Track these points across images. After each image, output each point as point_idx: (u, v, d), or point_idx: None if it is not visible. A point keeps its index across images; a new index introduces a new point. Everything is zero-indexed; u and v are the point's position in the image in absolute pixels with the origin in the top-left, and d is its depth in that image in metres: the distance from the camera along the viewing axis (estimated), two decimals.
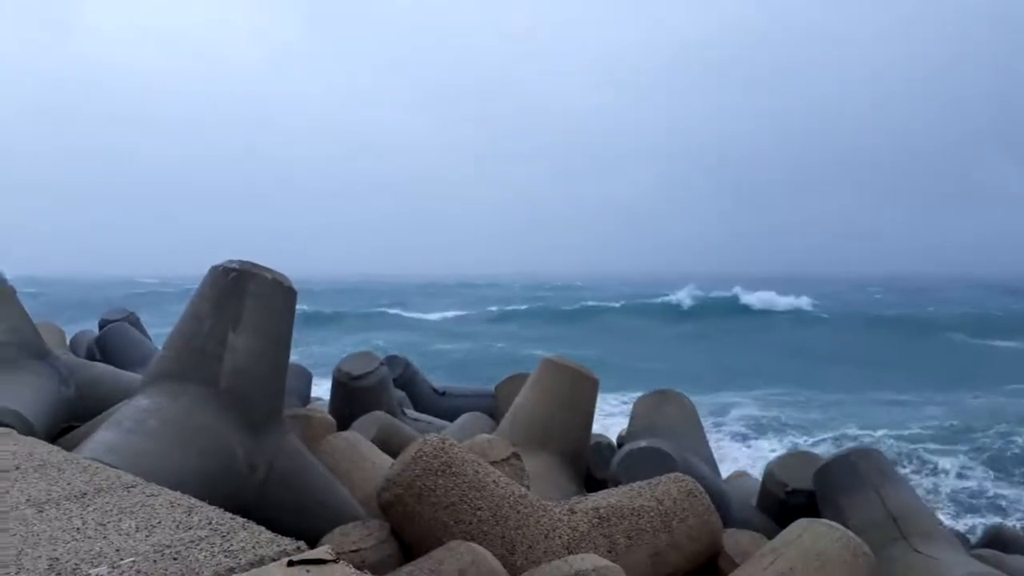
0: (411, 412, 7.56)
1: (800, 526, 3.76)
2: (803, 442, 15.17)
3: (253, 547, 1.87)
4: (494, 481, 3.64)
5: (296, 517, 3.65)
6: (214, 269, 3.87)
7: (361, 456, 4.77)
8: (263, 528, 2.01)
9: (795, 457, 5.62)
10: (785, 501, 5.34)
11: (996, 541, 6.30)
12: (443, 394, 8.92)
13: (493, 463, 4.09)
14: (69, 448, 3.19)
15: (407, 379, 8.54)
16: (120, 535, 1.93)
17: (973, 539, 6.81)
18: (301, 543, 1.92)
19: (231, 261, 3.85)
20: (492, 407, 7.83)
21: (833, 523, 3.80)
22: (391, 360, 8.36)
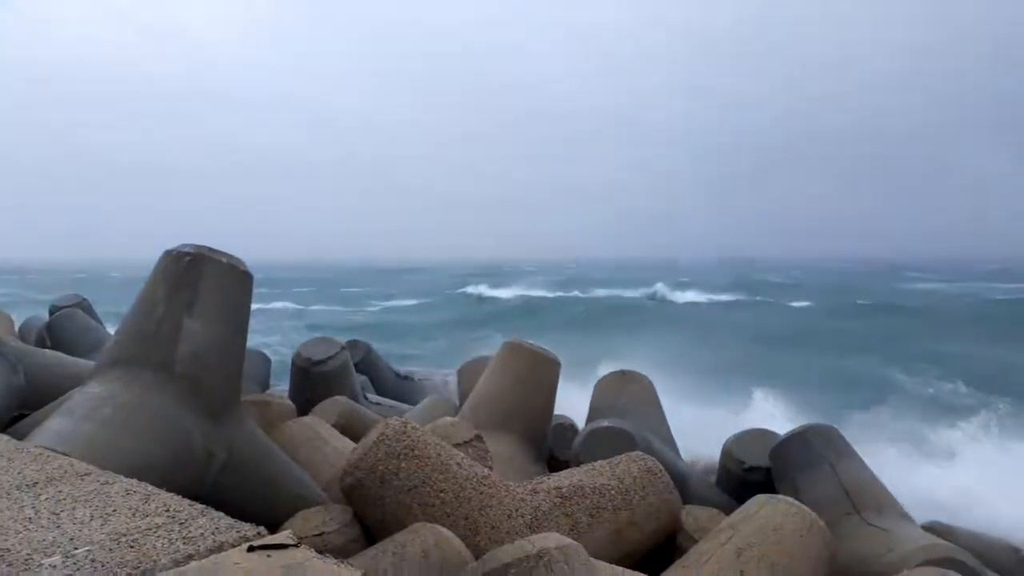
0: (373, 396, 7.52)
1: (757, 502, 3.84)
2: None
3: (212, 533, 1.85)
4: (457, 463, 3.65)
5: (257, 503, 3.61)
6: (168, 253, 3.79)
7: (322, 441, 4.73)
8: (223, 514, 1.98)
9: (752, 435, 5.73)
10: (742, 478, 5.44)
11: None
12: (406, 378, 8.90)
13: (456, 445, 4.10)
14: (19, 437, 3.11)
15: (369, 364, 8.50)
16: (74, 524, 1.88)
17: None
18: (261, 528, 1.90)
19: (185, 245, 3.77)
20: (455, 390, 7.84)
21: (789, 498, 3.89)
22: (352, 345, 8.30)
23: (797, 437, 5.12)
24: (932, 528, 5.10)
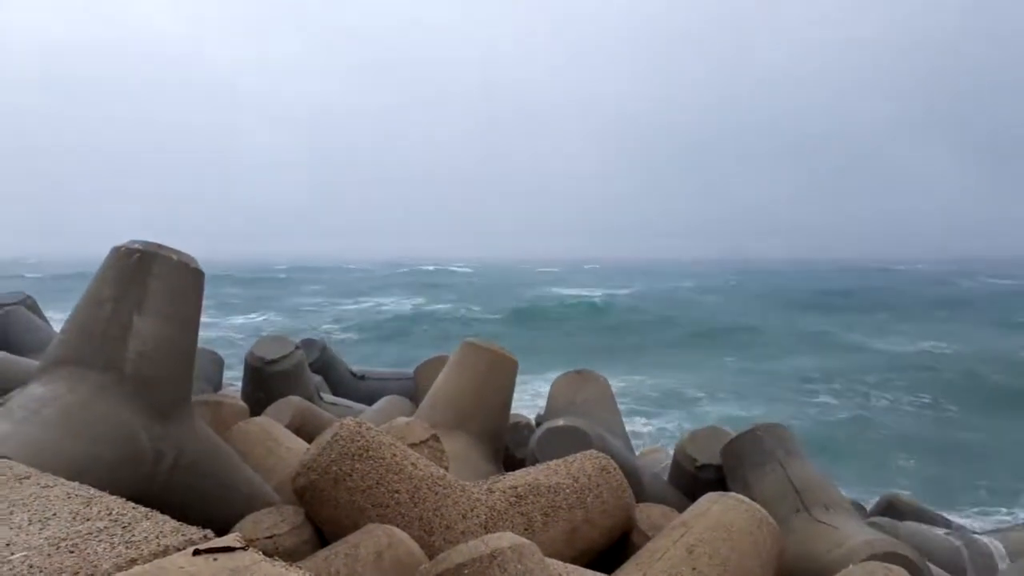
0: (328, 396, 7.44)
1: (709, 499, 3.90)
2: None
3: (156, 537, 1.81)
4: (412, 463, 3.63)
5: (208, 505, 3.55)
6: (115, 250, 3.70)
7: (275, 442, 4.67)
8: (167, 517, 1.94)
9: (705, 433, 5.82)
10: (695, 475, 5.52)
11: (890, 509, 6.71)
12: (362, 378, 8.81)
13: (412, 445, 4.08)
14: None
15: (324, 363, 8.40)
16: (11, 529, 1.83)
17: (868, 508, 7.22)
18: (208, 531, 1.87)
19: (134, 241, 3.69)
20: (412, 390, 7.79)
21: (740, 496, 3.96)
22: (307, 344, 8.20)
23: (748, 435, 5.22)
24: (877, 524, 5.24)
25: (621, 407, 6.55)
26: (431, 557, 3.08)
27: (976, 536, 5.78)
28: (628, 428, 6.48)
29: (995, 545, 5.45)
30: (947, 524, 6.53)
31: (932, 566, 4.31)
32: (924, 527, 5.71)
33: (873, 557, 3.84)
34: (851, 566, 3.64)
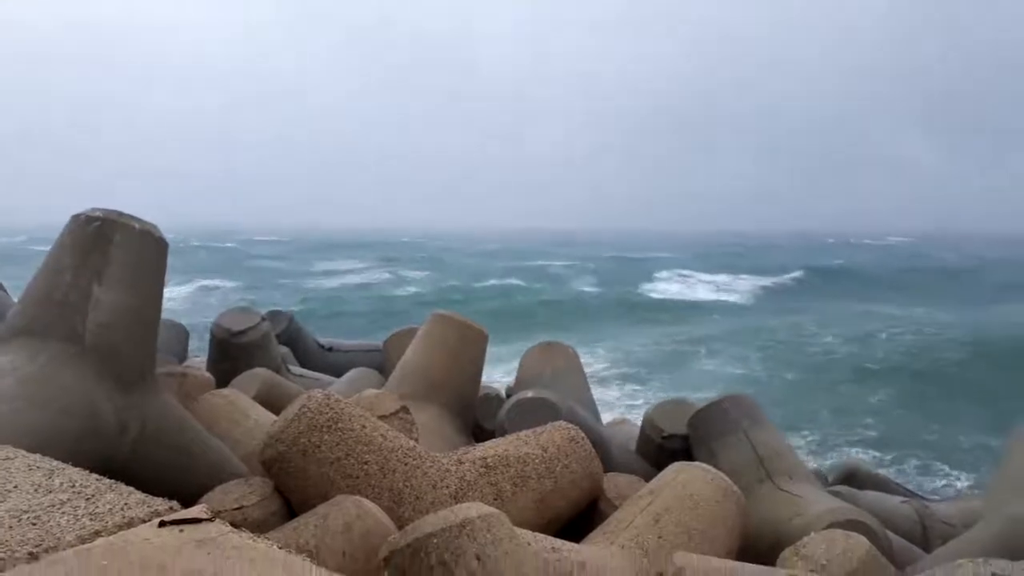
0: (296, 368, 7.39)
1: (675, 469, 3.95)
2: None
3: (121, 509, 1.78)
4: (382, 435, 3.62)
5: (174, 477, 3.51)
6: (76, 218, 3.60)
7: (242, 414, 4.63)
8: (132, 489, 1.91)
9: (671, 404, 5.89)
10: (662, 445, 5.60)
11: (850, 478, 6.88)
12: (330, 349, 8.76)
13: (381, 417, 4.07)
14: None
15: (291, 335, 8.32)
16: None
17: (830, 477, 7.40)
18: (174, 503, 1.84)
19: (94, 209, 3.59)
20: (381, 362, 7.76)
21: (706, 465, 4.03)
22: (273, 315, 8.12)
23: (714, 406, 5.30)
24: (838, 492, 5.37)
25: (607, 374, 6.64)
26: (401, 528, 3.08)
27: (932, 504, 5.96)
28: (614, 394, 6.56)
29: (950, 513, 5.63)
30: (906, 493, 6.72)
31: (891, 534, 4.43)
32: (883, 496, 5.87)
33: (834, 525, 3.93)
34: (812, 533, 3.73)
